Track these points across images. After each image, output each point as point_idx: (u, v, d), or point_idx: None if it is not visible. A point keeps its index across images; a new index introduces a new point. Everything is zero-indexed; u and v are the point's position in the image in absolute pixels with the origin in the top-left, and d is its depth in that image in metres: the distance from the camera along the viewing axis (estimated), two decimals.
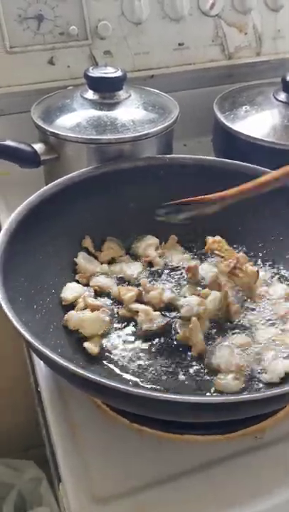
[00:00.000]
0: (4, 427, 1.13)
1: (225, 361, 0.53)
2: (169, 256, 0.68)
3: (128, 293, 0.60)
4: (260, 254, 0.68)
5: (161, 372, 0.53)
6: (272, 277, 0.65)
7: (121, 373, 0.53)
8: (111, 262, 0.67)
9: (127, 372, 0.53)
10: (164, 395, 0.41)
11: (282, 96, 0.79)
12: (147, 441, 0.50)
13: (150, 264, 0.67)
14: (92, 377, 0.41)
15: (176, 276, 0.65)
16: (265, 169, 0.68)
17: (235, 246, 0.68)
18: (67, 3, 0.80)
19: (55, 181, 0.65)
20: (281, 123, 0.77)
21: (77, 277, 0.63)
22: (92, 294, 0.62)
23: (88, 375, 0.41)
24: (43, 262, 0.60)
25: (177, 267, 0.67)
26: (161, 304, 0.59)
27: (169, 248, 0.69)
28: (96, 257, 0.66)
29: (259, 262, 0.67)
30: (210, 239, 0.64)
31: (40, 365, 0.57)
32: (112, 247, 0.67)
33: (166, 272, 0.66)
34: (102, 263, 0.66)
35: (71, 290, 0.60)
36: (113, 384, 0.41)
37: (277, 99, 0.79)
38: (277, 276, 0.65)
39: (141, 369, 0.54)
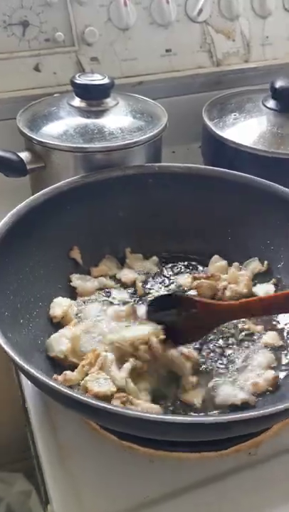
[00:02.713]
0: None
1: None
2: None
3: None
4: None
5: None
6: None
7: None
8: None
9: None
10: (154, 416, 0.40)
11: (270, 103, 0.79)
12: (138, 460, 0.49)
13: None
14: (82, 398, 0.39)
15: None
16: (254, 177, 0.68)
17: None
18: (52, 9, 0.79)
19: (42, 191, 0.64)
20: (270, 130, 0.76)
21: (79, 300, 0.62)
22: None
23: (77, 396, 0.40)
24: (30, 275, 0.59)
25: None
26: None
27: (132, 259, 0.68)
28: (87, 270, 0.66)
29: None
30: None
31: (27, 382, 0.55)
32: (107, 265, 0.66)
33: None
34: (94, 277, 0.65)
35: (59, 305, 0.58)
36: (102, 405, 0.39)
37: (266, 106, 0.79)
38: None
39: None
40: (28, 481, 1.12)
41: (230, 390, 0.52)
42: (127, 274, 0.66)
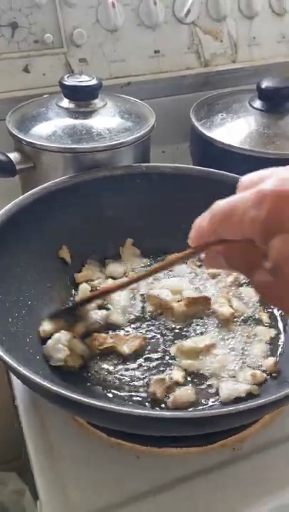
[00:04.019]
0: None
1: None
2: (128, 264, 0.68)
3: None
4: None
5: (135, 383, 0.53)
6: None
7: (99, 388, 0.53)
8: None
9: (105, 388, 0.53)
10: (142, 412, 0.41)
11: (257, 103, 0.80)
12: (125, 456, 0.50)
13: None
14: (71, 395, 0.40)
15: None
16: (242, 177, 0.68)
17: None
18: (41, 11, 0.79)
19: (31, 191, 0.64)
20: (257, 130, 0.77)
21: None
22: None
23: (65, 393, 0.40)
24: (19, 274, 0.59)
25: None
26: None
27: (127, 254, 0.69)
28: (77, 268, 0.66)
29: None
30: None
31: (17, 381, 0.56)
32: (91, 269, 0.67)
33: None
34: (78, 283, 0.65)
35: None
36: (94, 403, 0.40)
37: (252, 107, 0.80)
38: None
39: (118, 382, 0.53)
40: (21, 480, 1.12)
41: (231, 385, 0.53)
42: (117, 269, 0.67)
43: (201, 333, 0.58)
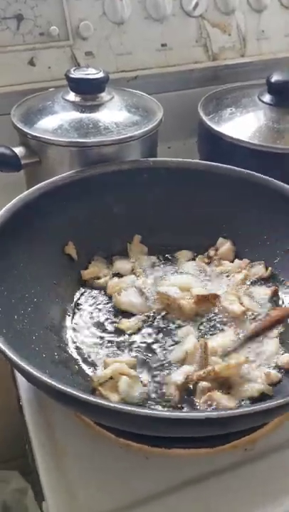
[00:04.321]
0: None
1: None
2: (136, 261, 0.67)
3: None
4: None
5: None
6: None
7: None
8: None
9: None
10: (149, 412, 0.40)
11: (266, 97, 0.78)
12: (134, 457, 0.48)
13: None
14: (76, 393, 0.39)
15: None
16: (250, 172, 0.67)
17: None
18: (47, 3, 0.78)
19: (37, 185, 0.63)
20: (266, 125, 0.75)
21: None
22: None
23: (71, 391, 0.39)
24: (25, 271, 0.58)
25: None
26: None
27: (135, 250, 0.68)
28: (83, 265, 0.65)
29: None
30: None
31: (22, 379, 0.55)
32: (98, 266, 0.66)
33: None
34: (85, 281, 0.64)
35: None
36: (98, 401, 0.39)
37: (262, 101, 0.78)
38: None
39: None
40: (24, 479, 1.11)
41: (246, 384, 0.51)
42: (124, 266, 0.66)
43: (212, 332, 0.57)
